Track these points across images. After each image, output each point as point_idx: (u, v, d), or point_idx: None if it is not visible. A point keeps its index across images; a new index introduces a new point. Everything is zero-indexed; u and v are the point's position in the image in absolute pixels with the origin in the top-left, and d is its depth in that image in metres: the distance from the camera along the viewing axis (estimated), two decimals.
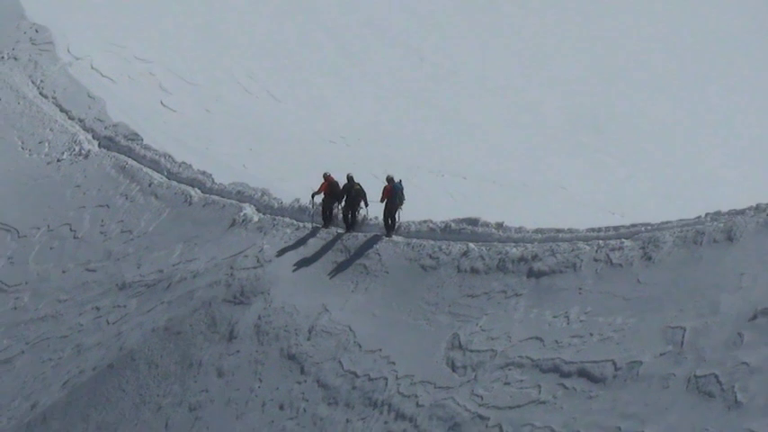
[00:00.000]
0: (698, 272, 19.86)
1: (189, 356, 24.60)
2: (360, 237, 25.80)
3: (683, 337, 18.57)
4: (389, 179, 25.28)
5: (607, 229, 22.54)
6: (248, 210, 28.94)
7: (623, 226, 22.38)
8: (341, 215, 26.71)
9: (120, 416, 24.37)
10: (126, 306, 27.79)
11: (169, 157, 33.49)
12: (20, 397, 26.97)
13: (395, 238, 25.24)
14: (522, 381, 19.77)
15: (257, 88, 42.81)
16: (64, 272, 30.50)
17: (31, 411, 26.05)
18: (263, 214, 28.59)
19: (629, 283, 20.61)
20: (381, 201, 25.40)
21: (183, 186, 31.66)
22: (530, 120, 43.98)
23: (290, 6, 52.11)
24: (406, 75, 46.77)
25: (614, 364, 18.89)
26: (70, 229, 32.04)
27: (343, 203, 26.40)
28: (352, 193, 26.03)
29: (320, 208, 26.75)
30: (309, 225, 26.99)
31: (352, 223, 26.25)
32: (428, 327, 22.18)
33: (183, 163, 32.86)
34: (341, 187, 26.25)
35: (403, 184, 25.50)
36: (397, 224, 25.65)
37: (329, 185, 26.37)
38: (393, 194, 25.22)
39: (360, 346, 22.48)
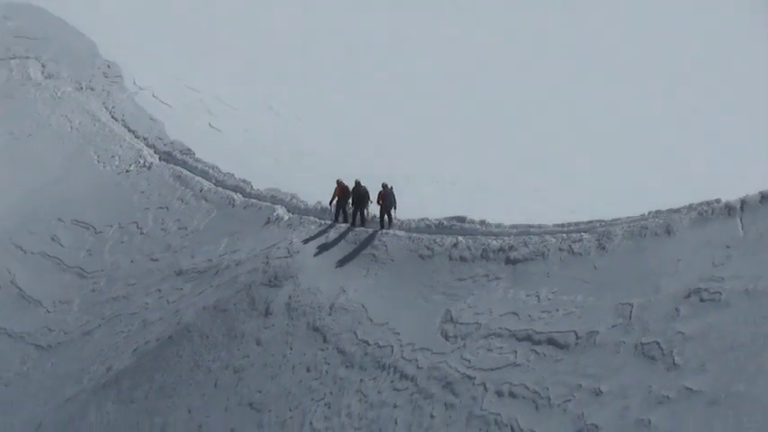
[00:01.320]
0: (642, 259, 19.83)
1: (233, 329, 24.65)
2: (369, 231, 25.74)
3: (631, 311, 18.52)
4: (384, 185, 25.14)
5: (569, 224, 22.42)
6: (280, 210, 28.90)
7: (582, 222, 22.33)
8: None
9: (178, 377, 24.48)
10: (182, 289, 27.85)
11: (216, 168, 33.53)
12: (97, 362, 27.13)
13: (397, 232, 25.14)
14: (501, 347, 19.76)
15: (286, 112, 42.71)
16: (132, 261, 30.57)
17: (107, 373, 26.21)
18: (292, 214, 28.55)
19: (588, 268, 20.55)
20: (377, 203, 25.30)
21: (228, 192, 31.64)
22: (505, 135, 43.77)
23: (310, 47, 52.14)
24: (406, 101, 46.60)
25: (576, 333, 18.85)
26: (137, 227, 32.11)
27: (352, 204, 26.24)
28: (360, 194, 25.90)
29: (336, 208, 26.72)
30: (329, 222, 26.97)
31: (361, 220, 26.16)
32: (426, 304, 22.15)
33: (228, 173, 32.87)
34: (350, 190, 26.12)
35: (395, 190, 25.31)
36: (393, 221, 25.51)
37: (341, 189, 26.24)
38: (386, 198, 25.11)
39: (371, 320, 22.50)
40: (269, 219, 28.73)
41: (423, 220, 25.26)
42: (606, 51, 57.15)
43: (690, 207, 20.51)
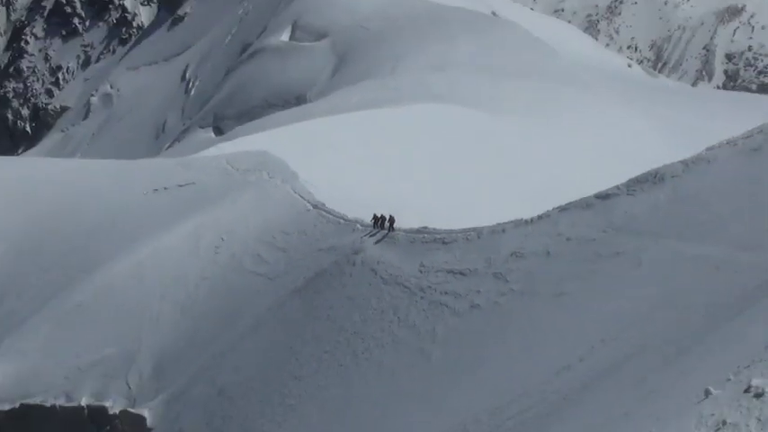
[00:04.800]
0: (495, 243, 20.74)
1: (339, 275, 25.91)
2: (389, 234, 26.88)
3: (491, 260, 20.51)
4: (390, 216, 26.65)
5: (468, 229, 23.47)
6: (359, 226, 29.51)
7: (471, 228, 23.52)
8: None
9: (307, 306, 25.60)
10: (319, 258, 28.37)
11: (334, 210, 33.43)
12: (286, 294, 27.32)
13: (399, 233, 26.29)
14: (445, 276, 21.62)
15: (364, 186, 37.81)
16: (297, 250, 31.08)
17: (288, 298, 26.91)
18: (362, 227, 29.23)
19: (477, 246, 21.47)
20: (387, 221, 26.44)
21: (338, 219, 31.98)
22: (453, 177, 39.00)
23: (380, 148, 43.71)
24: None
25: (471, 270, 21.07)
26: (298, 235, 32.68)
27: (380, 222, 27.48)
28: (383, 219, 27.23)
29: (373, 224, 28.02)
30: (374, 230, 28.10)
31: (383, 228, 27.33)
32: (413, 260, 22.69)
33: (336, 212, 33.03)
34: (380, 216, 27.55)
35: (395, 218, 26.64)
36: (396, 231, 26.50)
37: (375, 217, 27.70)
38: (391, 222, 26.50)
39: (393, 266, 23.76)
40: (353, 229, 29.65)
41: (410, 228, 26.16)
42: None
43: (515, 221, 22.57)
